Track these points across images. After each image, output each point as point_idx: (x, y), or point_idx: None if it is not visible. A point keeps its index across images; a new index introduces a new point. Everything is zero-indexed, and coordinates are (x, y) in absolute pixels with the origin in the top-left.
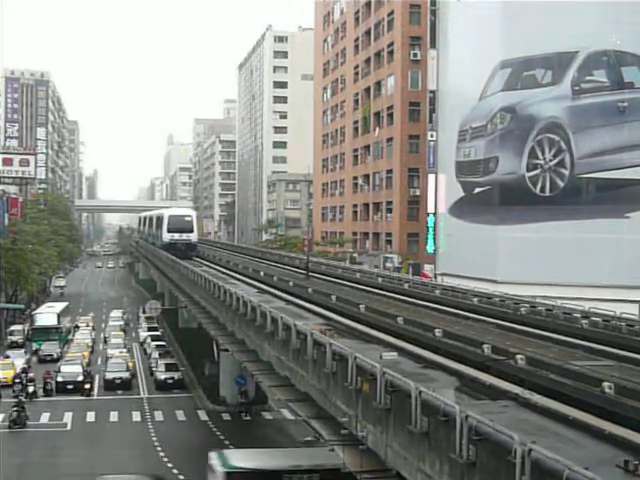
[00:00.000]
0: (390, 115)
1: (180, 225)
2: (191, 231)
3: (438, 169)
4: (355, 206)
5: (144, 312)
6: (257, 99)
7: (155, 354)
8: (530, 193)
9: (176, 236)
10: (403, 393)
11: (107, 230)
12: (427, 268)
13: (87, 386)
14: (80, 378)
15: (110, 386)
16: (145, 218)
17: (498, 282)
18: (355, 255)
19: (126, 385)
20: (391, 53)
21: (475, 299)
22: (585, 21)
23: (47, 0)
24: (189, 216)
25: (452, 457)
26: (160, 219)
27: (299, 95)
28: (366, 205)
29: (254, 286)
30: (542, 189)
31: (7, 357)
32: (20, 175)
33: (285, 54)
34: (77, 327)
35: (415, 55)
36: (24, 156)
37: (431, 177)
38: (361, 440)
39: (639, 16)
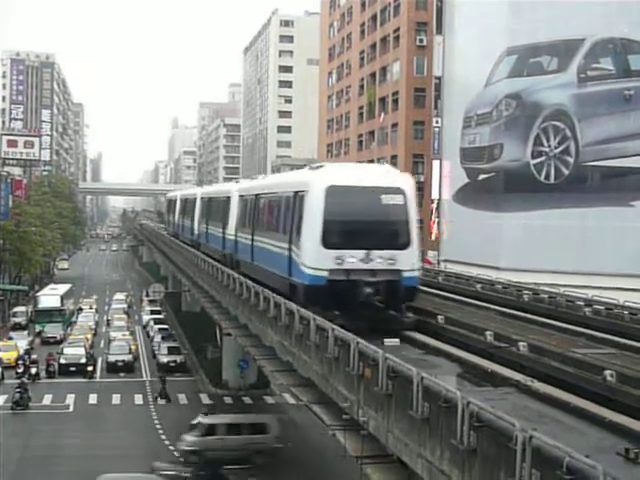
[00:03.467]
0: (395, 101)
1: (366, 218)
2: (404, 244)
3: (443, 155)
4: None
5: (147, 295)
6: (262, 83)
7: (158, 337)
8: (535, 180)
9: (351, 259)
10: (405, 379)
11: (111, 213)
12: (430, 254)
13: (90, 368)
14: (83, 360)
15: (113, 368)
16: (204, 201)
17: (501, 269)
18: None
19: (128, 368)
20: (397, 39)
21: (478, 286)
22: (592, 8)
23: None
24: (396, 191)
25: (453, 443)
26: (292, 202)
27: (304, 80)
28: None
29: None
30: (547, 176)
31: (10, 339)
32: (24, 157)
33: (291, 38)
34: (80, 309)
35: (421, 41)
36: (29, 138)
37: (436, 163)
38: (362, 425)
39: None
